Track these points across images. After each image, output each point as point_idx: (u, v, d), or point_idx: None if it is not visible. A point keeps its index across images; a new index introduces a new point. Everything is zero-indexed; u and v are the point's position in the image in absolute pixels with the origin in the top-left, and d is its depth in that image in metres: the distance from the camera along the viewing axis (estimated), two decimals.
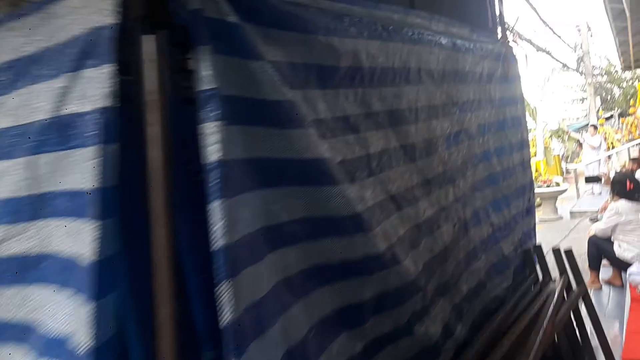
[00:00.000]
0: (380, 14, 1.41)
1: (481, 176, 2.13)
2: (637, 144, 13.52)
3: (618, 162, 14.75)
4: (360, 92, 1.29)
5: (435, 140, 1.67)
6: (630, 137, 16.46)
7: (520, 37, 10.34)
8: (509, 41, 2.64)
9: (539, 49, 12.53)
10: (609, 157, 14.37)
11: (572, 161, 19.17)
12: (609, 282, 4.81)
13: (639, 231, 4.23)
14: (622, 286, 4.54)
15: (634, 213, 4.35)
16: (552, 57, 14.53)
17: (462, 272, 1.78)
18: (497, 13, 2.70)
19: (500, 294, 2.19)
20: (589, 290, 4.82)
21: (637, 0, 7.22)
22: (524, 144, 2.81)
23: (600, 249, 4.66)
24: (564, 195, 11.34)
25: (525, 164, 2.81)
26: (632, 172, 8.03)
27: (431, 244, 1.53)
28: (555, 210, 10.79)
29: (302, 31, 1.10)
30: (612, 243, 4.53)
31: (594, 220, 9.43)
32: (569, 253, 3.00)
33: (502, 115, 2.47)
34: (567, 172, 16.11)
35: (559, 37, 14.96)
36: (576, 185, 12.78)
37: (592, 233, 5.90)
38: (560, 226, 9.72)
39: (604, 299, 4.55)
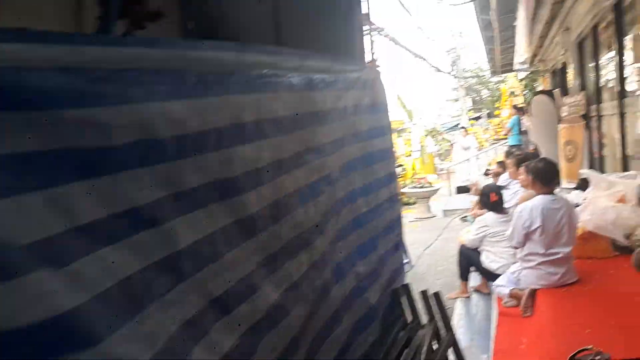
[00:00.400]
0: (198, 56, 1.06)
1: (346, 221, 1.93)
2: (502, 144, 14.62)
3: (486, 162, 15.87)
4: (161, 170, 0.96)
5: (286, 200, 1.39)
6: (496, 137, 17.82)
7: (395, 42, 10.59)
8: (376, 66, 2.47)
9: (414, 54, 13.00)
10: (478, 157, 15.40)
11: (445, 159, 20.39)
12: (477, 290, 4.97)
13: (505, 242, 4.33)
14: (489, 294, 4.70)
15: (499, 225, 4.49)
16: (427, 61, 15.22)
17: (320, 347, 1.53)
18: (365, 37, 2.52)
19: (367, 350, 2.00)
20: (458, 300, 5.01)
21: (502, 14, 7.62)
22: (392, 177, 2.68)
23: (469, 259, 4.78)
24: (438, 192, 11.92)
25: (394, 198, 2.68)
26: (497, 179, 8.55)
27: (275, 341, 1.25)
28: (429, 208, 11.28)
29: (37, 107, 0.74)
30: (479, 253, 4.66)
31: (464, 219, 10.01)
32: (437, 296, 2.90)
33: (370, 148, 2.30)
34: (441, 170, 17.03)
35: (434, 41, 15.67)
36: (448, 183, 13.53)
37: (462, 241, 6.08)
38: (434, 224, 10.14)
39: (473, 308, 4.68)
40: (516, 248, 3.79)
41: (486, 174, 9.42)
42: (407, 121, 21.03)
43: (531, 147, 11.29)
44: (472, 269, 4.87)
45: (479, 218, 4.73)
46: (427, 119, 23.84)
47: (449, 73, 19.52)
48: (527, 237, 3.58)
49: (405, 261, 7.34)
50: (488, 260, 4.57)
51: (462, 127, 14.77)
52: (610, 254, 4.06)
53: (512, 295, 3.76)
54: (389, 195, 2.59)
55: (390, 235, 2.57)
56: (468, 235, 4.81)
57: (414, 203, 12.08)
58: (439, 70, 16.79)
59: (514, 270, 3.80)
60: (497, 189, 4.70)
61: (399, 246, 2.75)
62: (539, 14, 7.70)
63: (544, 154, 9.81)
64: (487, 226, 4.53)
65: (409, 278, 6.76)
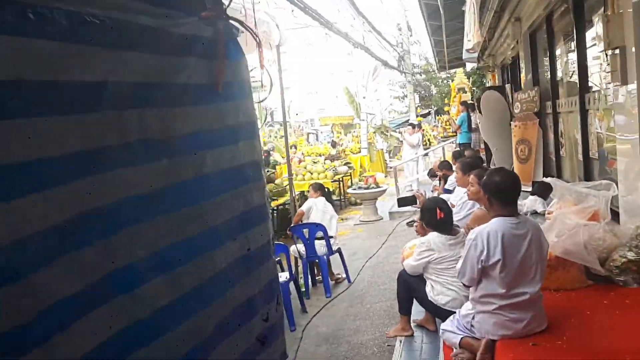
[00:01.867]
0: None
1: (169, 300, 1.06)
2: (450, 142, 14.03)
3: (434, 160, 15.29)
4: None
5: None
6: (444, 134, 17.30)
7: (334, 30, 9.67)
8: (227, 17, 1.56)
9: (355, 44, 12.15)
10: (427, 154, 14.77)
11: (394, 156, 19.79)
12: (421, 326, 4.10)
13: (454, 270, 3.47)
14: (436, 331, 3.84)
15: (447, 248, 3.65)
16: (371, 54, 14.42)
17: None
18: None
19: None
20: (398, 338, 4.10)
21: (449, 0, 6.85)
22: (262, 215, 1.92)
23: (410, 289, 3.91)
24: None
25: (263, 257, 1.90)
26: (444, 182, 7.83)
27: None
28: (376, 210, 10.51)
29: None
30: (424, 282, 3.81)
31: (410, 224, 9.29)
32: None
33: (211, 168, 1.57)
34: (390, 168, 16.35)
35: (379, 33, 14.94)
36: (396, 183, 12.81)
37: (405, 257, 5.25)
38: (379, 229, 9.36)
39: (416, 351, 3.82)
40: (468, 287, 2.94)
41: (432, 175, 8.67)
42: (355, 117, 20.39)
43: (481, 146, 10.72)
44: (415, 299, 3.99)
45: (421, 239, 3.85)
46: (375, 115, 23.24)
47: (397, 69, 18.90)
48: (483, 273, 2.74)
49: (340, 276, 6.53)
50: (434, 292, 3.71)
51: (410, 124, 14.07)
52: (583, 283, 3.28)
53: (463, 345, 2.91)
54: (257, 252, 1.85)
55: (258, 313, 1.78)
56: (408, 261, 3.92)
57: (360, 204, 11.27)
58: (385, 64, 16.05)
59: (467, 312, 2.94)
60: (444, 204, 3.83)
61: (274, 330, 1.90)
62: (488, 1, 7.00)
63: (495, 153, 9.22)
64: (432, 250, 3.67)
65: (345, 299, 5.99)
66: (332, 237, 5.99)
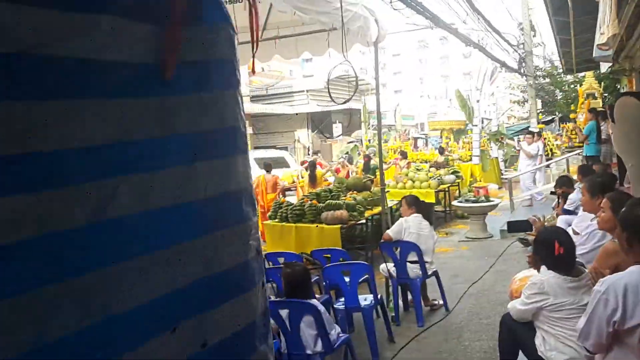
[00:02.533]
0: None
1: None
2: (576, 154, 12.51)
3: (557, 172, 13.78)
4: None
5: None
6: (570, 144, 15.57)
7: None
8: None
9: (471, 43, 11.19)
10: (548, 166, 13.34)
11: (510, 166, 18.27)
12: None
13: (575, 321, 2.73)
14: None
15: (566, 293, 2.89)
16: (488, 55, 13.30)
17: None
18: None
19: None
20: None
21: None
22: (242, 282, 1.23)
23: (516, 338, 3.20)
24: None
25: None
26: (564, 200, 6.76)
27: None
28: (485, 227, 9.54)
29: None
30: (534, 331, 3.08)
31: (525, 242, 8.23)
32: None
33: (138, 206, 1.00)
34: (505, 179, 15.06)
35: (498, 32, 13.76)
36: (510, 197, 11.65)
37: (514, 291, 4.51)
38: (488, 248, 8.43)
39: None
40: (592, 354, 2.22)
41: (554, 193, 7.58)
42: (467, 122, 19.16)
43: (613, 160, 9.31)
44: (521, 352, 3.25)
45: (533, 277, 3.11)
46: (491, 120, 21.75)
47: (517, 71, 17.41)
48: (615, 339, 2.02)
49: (436, 302, 5.82)
50: (546, 346, 2.96)
51: (529, 132, 12.71)
52: None
53: None
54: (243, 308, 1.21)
55: None
56: (515, 302, 3.20)
57: (467, 217, 10.32)
58: (503, 66, 14.77)
59: None
60: (565, 236, 3.06)
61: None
62: None
63: (630, 169, 7.88)
64: (546, 294, 2.92)
65: (440, 331, 5.30)
66: (427, 262, 5.32)
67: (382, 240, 5.49)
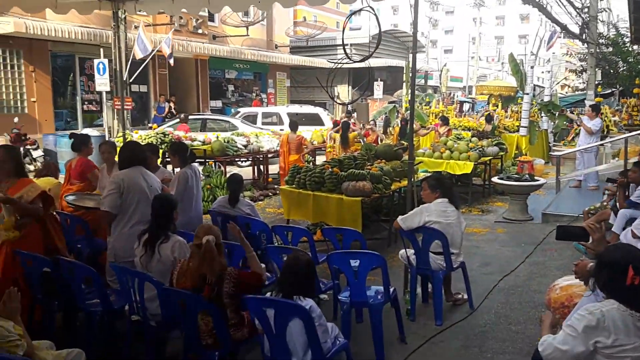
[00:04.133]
0: None
1: None
2: (636, 133, 11.24)
3: (611, 152, 12.54)
4: None
5: None
6: (629, 121, 14.18)
7: None
8: None
9: (532, 3, 9.92)
10: (602, 145, 12.09)
11: (560, 140, 16.95)
12: None
13: None
14: None
15: (634, 333, 2.16)
16: (549, 17, 11.92)
17: None
18: None
19: None
20: None
21: None
22: None
23: None
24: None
25: None
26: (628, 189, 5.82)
27: None
28: (525, 208, 8.67)
29: None
30: None
31: (565, 229, 7.26)
32: None
33: None
34: (554, 154, 13.89)
35: None
36: (557, 175, 10.62)
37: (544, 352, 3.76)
38: (527, 233, 7.61)
39: None
40: None
41: (614, 181, 6.57)
42: (518, 89, 17.81)
43: None
44: None
45: (589, 306, 2.38)
46: (544, 89, 20.22)
47: (579, 37, 15.82)
48: None
49: (460, 297, 5.12)
50: None
51: (592, 105, 11.36)
52: None
53: None
54: None
55: None
56: (553, 341, 2.47)
57: (507, 194, 9.40)
58: (564, 31, 13.31)
59: None
60: (638, 257, 2.30)
61: None
62: None
63: None
64: (606, 331, 2.20)
65: (460, 332, 4.60)
66: (453, 253, 4.60)
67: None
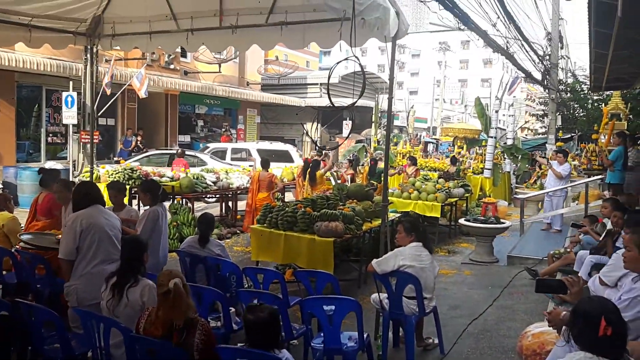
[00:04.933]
0: None
1: None
2: (598, 179, 11.68)
3: (571, 195, 12.96)
4: None
5: None
6: (589, 165, 14.75)
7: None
8: None
9: (497, 49, 10.37)
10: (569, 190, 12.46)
11: (523, 182, 17.46)
12: None
13: None
14: None
15: None
16: (513, 62, 12.46)
17: None
18: None
19: None
20: None
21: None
22: None
23: None
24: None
25: None
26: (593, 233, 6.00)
27: None
28: (491, 250, 8.81)
29: None
30: None
31: (533, 273, 7.41)
32: None
33: None
34: (516, 196, 14.25)
35: (527, 41, 12.93)
36: (521, 217, 10.87)
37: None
38: (493, 275, 7.72)
39: None
40: None
41: (579, 226, 6.73)
42: (482, 132, 18.34)
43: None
44: None
45: (569, 357, 2.40)
46: (507, 132, 20.90)
47: (541, 83, 16.53)
48: None
49: (431, 342, 5.09)
50: None
51: (561, 151, 11.62)
52: None
53: None
54: None
55: None
56: None
57: (473, 236, 9.54)
58: (528, 78, 13.91)
59: None
60: (616, 314, 2.34)
61: None
62: None
63: None
64: None
65: None
66: (426, 297, 4.61)
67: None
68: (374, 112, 19.43)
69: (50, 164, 12.57)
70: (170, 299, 3.07)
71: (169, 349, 3.02)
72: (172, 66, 19.08)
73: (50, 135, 16.19)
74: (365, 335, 4.03)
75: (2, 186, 11.87)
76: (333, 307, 3.80)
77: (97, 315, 3.49)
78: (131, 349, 3.28)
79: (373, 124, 19.34)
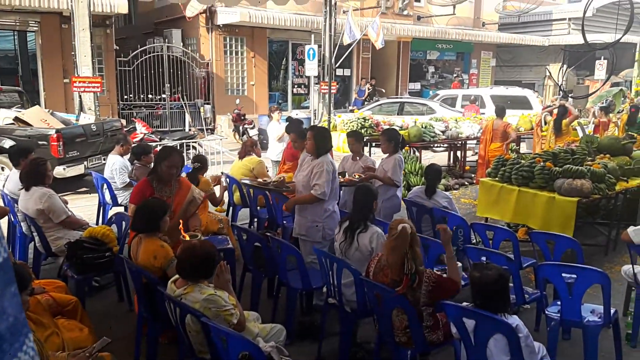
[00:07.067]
0: None
1: None
2: None
3: None
4: None
5: None
6: None
7: None
8: None
9: None
10: None
11: None
12: None
13: None
14: None
15: None
16: None
17: None
18: None
19: None
20: None
21: None
22: None
23: None
24: None
25: None
26: None
27: None
28: None
29: None
30: None
31: None
32: None
33: None
34: None
35: None
36: None
37: None
38: None
39: None
40: None
41: None
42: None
43: None
44: None
45: None
46: None
47: None
48: None
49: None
50: None
51: None
52: None
53: None
54: None
55: None
56: None
57: None
58: None
59: None
60: None
61: None
62: None
63: None
64: None
65: None
66: None
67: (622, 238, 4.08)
68: (638, 49, 16.38)
69: (295, 113, 13.92)
70: (395, 237, 3.09)
71: (396, 297, 3.09)
72: (405, 12, 18.94)
73: (295, 86, 17.89)
74: (612, 311, 3.52)
75: (258, 132, 13.61)
76: (574, 276, 3.38)
77: (331, 255, 3.76)
78: (360, 290, 3.46)
79: (636, 63, 16.35)
